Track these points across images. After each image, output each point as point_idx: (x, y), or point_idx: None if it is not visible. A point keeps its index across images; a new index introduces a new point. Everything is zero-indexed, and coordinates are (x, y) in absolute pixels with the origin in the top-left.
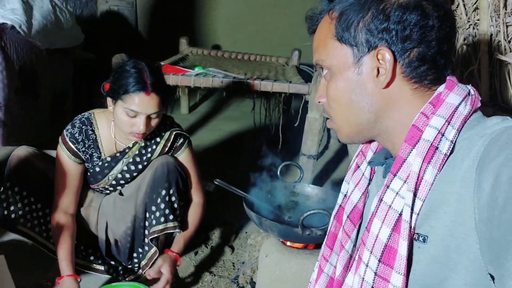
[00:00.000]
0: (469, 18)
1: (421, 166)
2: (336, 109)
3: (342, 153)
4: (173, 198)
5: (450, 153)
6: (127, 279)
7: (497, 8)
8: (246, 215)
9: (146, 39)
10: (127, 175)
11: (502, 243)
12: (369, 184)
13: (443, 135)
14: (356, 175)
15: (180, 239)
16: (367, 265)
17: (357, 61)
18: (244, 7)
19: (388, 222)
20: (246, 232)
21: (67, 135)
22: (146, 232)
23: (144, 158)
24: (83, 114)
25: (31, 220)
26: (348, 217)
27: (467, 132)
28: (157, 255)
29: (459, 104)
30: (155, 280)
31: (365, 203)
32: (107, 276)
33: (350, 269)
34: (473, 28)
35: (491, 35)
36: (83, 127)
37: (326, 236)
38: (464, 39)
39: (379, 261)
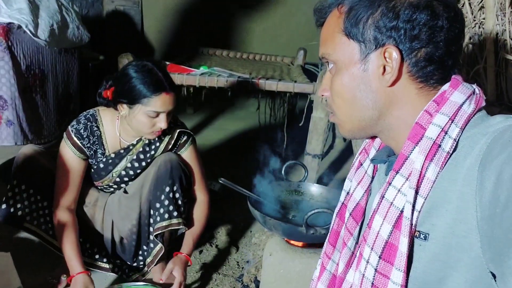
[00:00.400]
0: (474, 17)
1: (423, 164)
2: (340, 104)
3: (347, 152)
4: (177, 195)
5: (453, 151)
6: (132, 277)
7: (503, 7)
8: (250, 214)
9: (151, 39)
10: (131, 172)
11: (503, 241)
12: (371, 181)
13: (446, 133)
14: (358, 173)
15: (189, 239)
16: (367, 262)
17: (364, 57)
18: (250, 6)
19: (389, 219)
20: (251, 231)
21: (72, 130)
22: (151, 229)
23: (148, 155)
24: (88, 111)
25: (37, 217)
26: (350, 214)
27: (470, 130)
28: (162, 251)
29: (463, 102)
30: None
31: (367, 201)
32: (113, 275)
33: (351, 266)
34: (479, 27)
35: (497, 34)
36: (88, 123)
37: (329, 233)
38: (470, 38)
39: (380, 257)
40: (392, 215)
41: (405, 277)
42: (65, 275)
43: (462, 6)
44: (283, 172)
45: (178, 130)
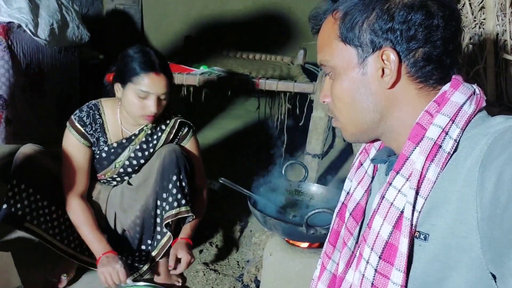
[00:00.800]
0: (475, 17)
1: (424, 164)
2: (341, 109)
3: (347, 152)
4: (184, 183)
5: (454, 152)
6: (135, 275)
7: (503, 7)
8: (250, 213)
9: (151, 38)
10: (134, 162)
11: (504, 242)
12: (371, 181)
13: (447, 133)
14: (359, 173)
15: (187, 227)
16: (367, 262)
17: (362, 61)
18: (250, 6)
19: (389, 219)
20: (251, 231)
21: (75, 118)
22: (158, 220)
23: (151, 145)
24: (90, 101)
25: (37, 217)
26: (350, 214)
27: (470, 131)
28: (170, 242)
29: (464, 103)
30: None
31: (367, 201)
32: None
33: (351, 266)
34: (479, 27)
35: (497, 34)
36: (91, 111)
37: (329, 233)
38: (470, 38)
39: (380, 257)
40: (392, 216)
41: (405, 278)
42: (65, 274)
43: (463, 6)
44: (283, 171)
45: (179, 121)
